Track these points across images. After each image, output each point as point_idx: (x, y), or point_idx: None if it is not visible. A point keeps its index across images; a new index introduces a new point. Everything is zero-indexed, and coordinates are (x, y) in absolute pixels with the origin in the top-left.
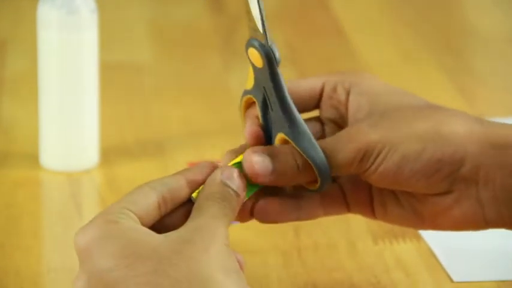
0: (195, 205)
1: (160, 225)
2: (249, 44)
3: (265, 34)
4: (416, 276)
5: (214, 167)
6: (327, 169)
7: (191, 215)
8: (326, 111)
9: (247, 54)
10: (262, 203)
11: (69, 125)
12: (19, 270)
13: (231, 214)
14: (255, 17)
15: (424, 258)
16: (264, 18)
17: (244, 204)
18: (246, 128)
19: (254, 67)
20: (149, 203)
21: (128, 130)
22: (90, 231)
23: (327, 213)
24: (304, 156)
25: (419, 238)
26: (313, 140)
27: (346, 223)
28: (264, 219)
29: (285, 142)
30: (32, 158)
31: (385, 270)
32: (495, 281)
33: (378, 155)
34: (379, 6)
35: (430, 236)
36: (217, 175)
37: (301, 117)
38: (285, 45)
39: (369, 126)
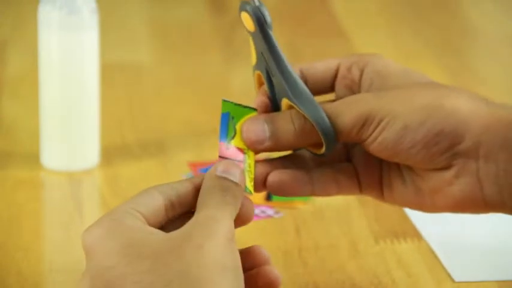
0: (198, 202)
1: (172, 230)
2: (241, 8)
3: None
4: (418, 276)
5: None
6: (329, 129)
7: (195, 212)
8: (340, 91)
9: (240, 19)
10: (275, 174)
11: (70, 125)
12: (20, 270)
13: (234, 203)
14: None
15: (425, 258)
16: None
17: (256, 175)
18: (255, 99)
19: (250, 33)
20: (156, 205)
21: (129, 130)
22: (95, 230)
23: (339, 192)
24: (307, 116)
25: (420, 238)
26: (315, 101)
27: (347, 223)
28: (277, 192)
29: (289, 108)
30: (33, 158)
31: (386, 270)
32: (496, 281)
33: (378, 123)
34: (380, 6)
35: (431, 236)
36: (213, 170)
37: (301, 80)
38: (285, 45)
39: (372, 95)
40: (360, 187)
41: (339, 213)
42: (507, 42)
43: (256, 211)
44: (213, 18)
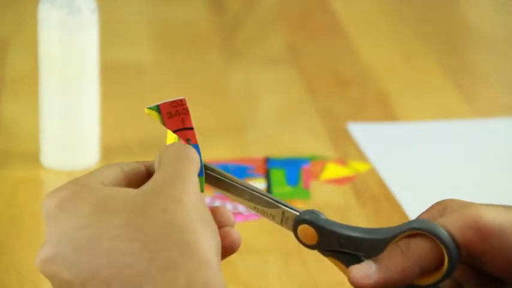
0: (156, 160)
1: None
2: (297, 223)
3: (287, 204)
4: None
5: None
6: (452, 243)
7: (156, 168)
8: None
9: (296, 235)
10: None
11: (70, 124)
12: (20, 269)
13: (195, 154)
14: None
15: None
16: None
17: None
18: None
19: (312, 248)
20: (117, 177)
21: (128, 129)
22: (60, 193)
23: None
24: (420, 231)
25: None
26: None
27: (347, 223)
28: None
29: None
30: (33, 157)
31: None
32: None
33: (500, 236)
34: (380, 6)
35: None
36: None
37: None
38: (285, 45)
39: (484, 206)
40: None
41: (339, 213)
42: (507, 42)
43: None
44: (213, 18)
